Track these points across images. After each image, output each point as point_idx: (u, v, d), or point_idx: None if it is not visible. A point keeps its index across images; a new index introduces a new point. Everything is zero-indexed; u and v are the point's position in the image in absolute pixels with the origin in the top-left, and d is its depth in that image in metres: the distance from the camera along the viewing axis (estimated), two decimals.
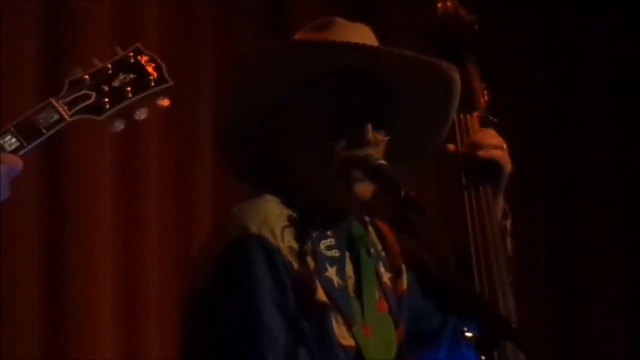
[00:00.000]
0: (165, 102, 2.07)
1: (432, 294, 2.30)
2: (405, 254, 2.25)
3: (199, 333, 2.10)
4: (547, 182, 4.15)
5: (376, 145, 2.09)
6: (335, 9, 3.27)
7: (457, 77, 2.15)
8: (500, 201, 2.28)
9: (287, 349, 2.02)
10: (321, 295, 2.07)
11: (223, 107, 2.24)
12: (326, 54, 2.09)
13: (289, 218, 2.08)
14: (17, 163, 1.95)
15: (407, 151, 2.20)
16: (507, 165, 2.25)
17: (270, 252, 2.04)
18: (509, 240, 2.27)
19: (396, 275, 2.24)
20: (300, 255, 2.08)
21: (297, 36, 2.18)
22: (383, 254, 2.23)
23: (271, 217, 2.06)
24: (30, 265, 3.50)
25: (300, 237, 2.10)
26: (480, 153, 2.24)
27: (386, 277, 2.20)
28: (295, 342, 2.04)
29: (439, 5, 2.32)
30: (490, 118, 2.32)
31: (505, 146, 2.26)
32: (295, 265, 2.05)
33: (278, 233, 2.07)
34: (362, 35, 2.15)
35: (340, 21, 2.16)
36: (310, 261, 2.07)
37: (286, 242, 2.06)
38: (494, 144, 2.26)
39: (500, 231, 2.23)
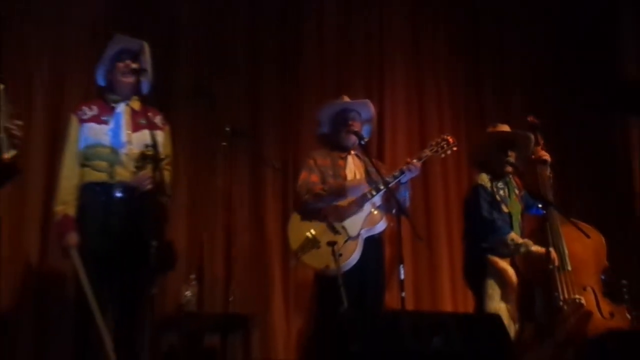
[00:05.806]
0: (455, 148, 6.38)
1: (531, 197, 6.59)
2: (525, 186, 6.57)
3: (467, 219, 6.50)
4: None
5: (512, 157, 6.40)
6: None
7: (532, 137, 6.48)
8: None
9: (493, 216, 6.23)
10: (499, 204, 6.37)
11: (474, 148, 6.57)
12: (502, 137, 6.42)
13: (490, 179, 6.35)
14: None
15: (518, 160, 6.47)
16: (549, 160, 6.55)
17: (487, 190, 6.31)
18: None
19: (520, 192, 6.52)
20: (495, 191, 6.35)
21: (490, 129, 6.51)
22: (516, 187, 6.50)
23: (484, 178, 6.33)
24: None
25: (493, 185, 6.33)
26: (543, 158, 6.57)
27: (518, 192, 6.52)
28: (496, 214, 6.28)
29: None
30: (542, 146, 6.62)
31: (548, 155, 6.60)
32: (494, 194, 6.33)
33: (488, 183, 6.32)
34: (507, 127, 6.51)
35: (503, 125, 6.50)
36: (497, 193, 6.35)
37: (492, 186, 6.32)
38: (545, 154, 6.58)
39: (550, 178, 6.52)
